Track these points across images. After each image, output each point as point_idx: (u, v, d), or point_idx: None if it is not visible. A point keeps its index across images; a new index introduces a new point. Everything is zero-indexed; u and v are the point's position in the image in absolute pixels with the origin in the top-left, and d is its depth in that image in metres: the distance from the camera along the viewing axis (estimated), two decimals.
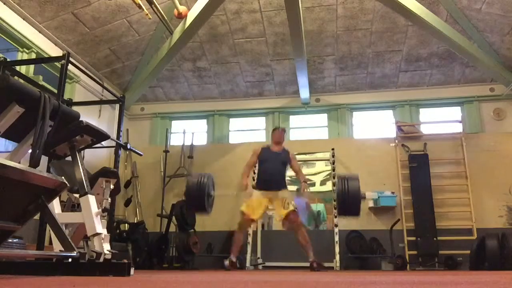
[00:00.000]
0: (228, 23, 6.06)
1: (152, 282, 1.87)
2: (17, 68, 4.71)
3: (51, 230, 2.16)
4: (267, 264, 6.05)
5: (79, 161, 2.34)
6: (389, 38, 6.28)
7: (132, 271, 2.15)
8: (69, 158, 2.46)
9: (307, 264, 5.74)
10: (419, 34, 6.13)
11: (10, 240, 3.31)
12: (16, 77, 3.93)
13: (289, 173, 5.10)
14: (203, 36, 6.30)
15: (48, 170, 3.11)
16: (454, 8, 5.67)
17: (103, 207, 2.39)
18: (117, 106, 5.65)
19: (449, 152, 6.33)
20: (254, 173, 5.50)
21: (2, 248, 2.05)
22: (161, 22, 5.64)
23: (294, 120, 7.64)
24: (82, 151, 2.62)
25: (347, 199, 4.49)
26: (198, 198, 4.67)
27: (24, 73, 4.70)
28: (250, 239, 5.77)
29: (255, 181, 5.05)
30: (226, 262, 4.50)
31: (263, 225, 6.52)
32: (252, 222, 4.85)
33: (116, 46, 6.23)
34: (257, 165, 5.03)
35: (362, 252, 5.93)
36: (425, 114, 7.26)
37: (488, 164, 6.16)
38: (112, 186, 2.63)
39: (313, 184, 6.94)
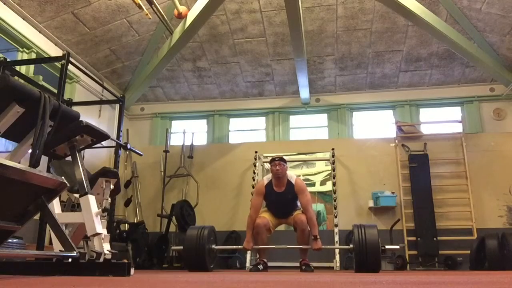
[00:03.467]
0: (228, 23, 6.06)
1: (152, 282, 1.87)
2: (17, 68, 4.71)
3: (51, 230, 2.16)
4: (268, 264, 6.03)
5: (79, 161, 2.34)
6: (389, 38, 6.28)
7: (132, 271, 2.15)
8: (69, 158, 2.46)
9: None
10: (419, 34, 6.13)
11: (10, 240, 3.31)
12: (16, 77, 3.93)
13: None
14: (203, 36, 6.30)
15: (48, 170, 3.12)
16: (454, 8, 5.67)
17: (103, 207, 2.40)
18: (117, 106, 5.65)
19: (449, 152, 6.33)
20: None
21: (2, 248, 2.05)
22: (161, 22, 5.64)
23: (294, 120, 7.64)
24: (82, 151, 2.61)
25: (365, 253, 3.71)
26: (197, 256, 4.01)
27: (24, 73, 4.70)
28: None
29: (266, 208, 4.54)
30: (260, 266, 4.18)
31: None
32: (267, 229, 4.29)
33: (116, 46, 6.23)
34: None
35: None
36: (425, 114, 7.26)
37: (488, 164, 6.16)
38: (112, 186, 2.63)
39: (313, 184, 6.94)
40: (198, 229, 4.15)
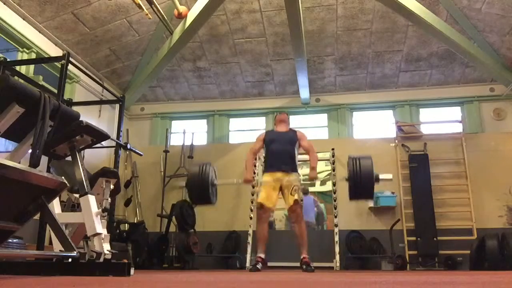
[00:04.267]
0: (228, 23, 6.06)
1: (152, 282, 1.87)
2: (17, 68, 4.71)
3: (51, 230, 2.16)
4: (268, 264, 6.04)
5: (79, 161, 2.34)
6: (389, 38, 6.27)
7: (132, 271, 2.15)
8: (69, 158, 2.45)
9: None
10: (419, 34, 6.13)
11: (10, 240, 3.31)
12: (16, 77, 3.93)
13: (301, 156, 4.76)
14: (203, 36, 6.30)
15: (48, 170, 3.12)
16: (454, 8, 5.67)
17: (103, 207, 2.39)
18: (117, 106, 5.65)
19: (449, 152, 6.33)
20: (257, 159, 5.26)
21: (2, 248, 2.05)
22: (161, 22, 5.63)
23: (294, 120, 7.60)
24: (82, 151, 2.61)
25: (360, 181, 4.01)
26: (201, 189, 4.37)
27: (24, 73, 4.70)
28: (250, 239, 5.77)
29: (264, 166, 4.60)
30: (259, 265, 4.15)
31: None
32: (271, 212, 4.45)
33: (116, 46, 6.23)
34: (264, 150, 4.63)
35: (362, 252, 5.93)
36: (425, 114, 7.26)
37: (488, 164, 6.16)
38: (112, 186, 2.63)
39: (313, 184, 6.94)
40: (200, 165, 4.44)
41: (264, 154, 4.66)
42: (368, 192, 4.10)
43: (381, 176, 4.12)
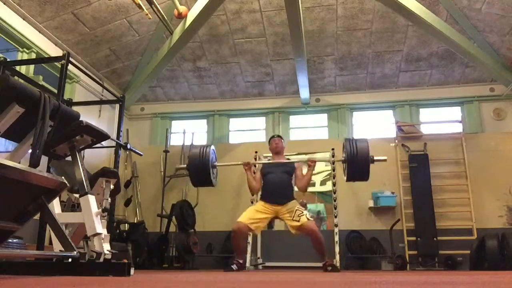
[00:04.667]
0: (228, 23, 6.06)
1: (152, 282, 1.87)
2: (17, 68, 4.71)
3: (51, 230, 2.16)
4: (268, 264, 6.05)
5: (79, 161, 2.34)
6: (389, 38, 6.27)
7: (132, 271, 2.15)
8: (69, 158, 2.45)
9: (308, 264, 5.75)
10: (419, 34, 6.13)
11: (10, 240, 3.31)
12: (16, 77, 3.93)
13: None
14: (203, 36, 6.30)
15: (48, 170, 3.11)
16: (454, 8, 5.66)
17: (103, 207, 2.39)
18: (117, 106, 5.65)
19: (449, 152, 6.33)
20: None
21: (2, 248, 2.05)
22: (161, 22, 5.63)
23: (294, 120, 7.64)
24: (82, 151, 2.61)
25: (356, 162, 4.10)
26: (203, 171, 4.34)
27: (24, 73, 4.69)
28: (250, 239, 5.78)
29: (261, 194, 4.61)
30: (234, 266, 4.15)
31: None
32: (249, 230, 4.35)
33: (116, 46, 6.23)
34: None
35: (362, 252, 5.93)
36: (425, 114, 7.26)
37: (488, 164, 6.16)
38: (112, 186, 2.63)
39: (313, 184, 6.93)
40: (201, 148, 4.42)
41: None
42: (364, 172, 4.20)
43: (375, 158, 4.22)
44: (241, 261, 4.26)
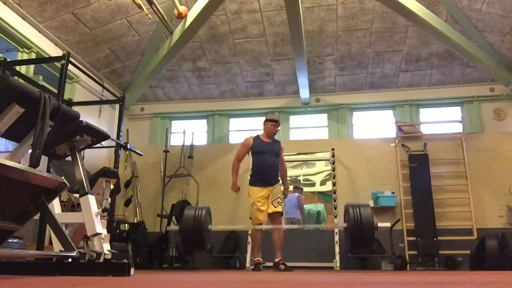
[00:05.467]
0: (228, 23, 6.06)
1: (152, 282, 1.87)
2: (17, 68, 4.71)
3: (51, 230, 2.16)
4: (268, 264, 6.04)
5: (79, 161, 2.34)
6: (389, 38, 6.27)
7: (132, 271, 2.15)
8: (69, 158, 2.45)
9: (308, 264, 5.76)
10: (419, 34, 6.13)
11: (10, 240, 3.31)
12: (16, 77, 3.93)
13: None
14: (203, 36, 6.30)
15: (48, 170, 3.12)
16: (454, 8, 5.67)
17: (103, 207, 2.40)
18: (117, 106, 5.65)
19: (449, 152, 6.33)
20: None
21: (2, 248, 2.05)
22: (161, 22, 5.63)
23: (294, 120, 7.64)
24: (82, 151, 2.61)
25: (360, 231, 3.73)
26: (195, 234, 4.12)
27: (24, 73, 4.70)
28: (250, 239, 5.78)
29: (252, 176, 4.76)
30: (251, 267, 4.39)
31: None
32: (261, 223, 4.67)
33: (116, 46, 6.23)
34: (250, 158, 4.87)
35: (362, 252, 5.92)
36: (425, 114, 7.26)
37: (488, 164, 6.16)
38: (112, 186, 2.63)
39: (313, 184, 6.93)
40: (196, 209, 4.25)
41: (251, 165, 4.87)
42: (369, 241, 3.89)
43: (379, 225, 3.99)
44: (260, 259, 4.57)
